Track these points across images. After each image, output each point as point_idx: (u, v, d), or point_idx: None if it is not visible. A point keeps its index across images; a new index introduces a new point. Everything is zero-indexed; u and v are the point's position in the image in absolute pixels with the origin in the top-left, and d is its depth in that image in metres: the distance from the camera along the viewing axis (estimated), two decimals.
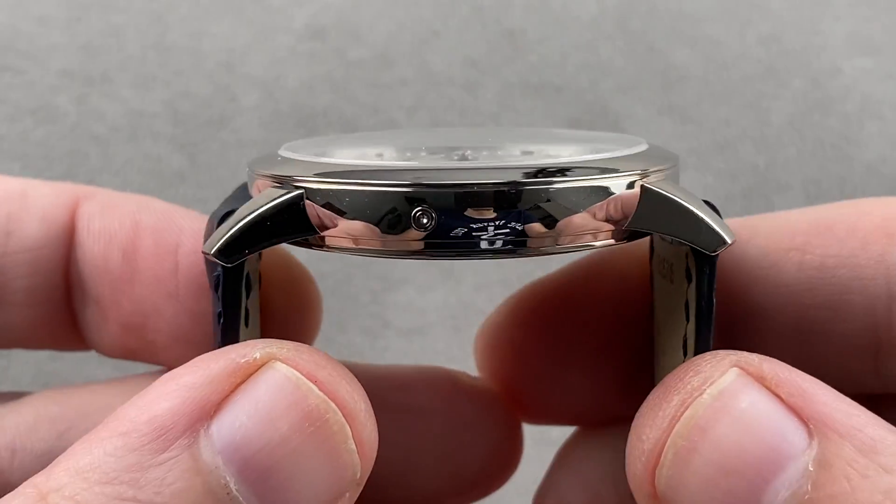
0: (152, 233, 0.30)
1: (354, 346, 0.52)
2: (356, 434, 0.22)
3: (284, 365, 0.22)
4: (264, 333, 0.29)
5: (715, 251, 0.25)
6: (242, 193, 0.27)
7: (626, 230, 0.25)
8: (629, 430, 0.25)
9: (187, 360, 0.30)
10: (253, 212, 0.24)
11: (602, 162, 0.25)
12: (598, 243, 0.24)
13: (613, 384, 0.32)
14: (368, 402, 0.23)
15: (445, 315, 0.52)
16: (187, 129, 0.53)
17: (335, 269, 0.52)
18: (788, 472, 0.22)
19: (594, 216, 0.24)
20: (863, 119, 0.54)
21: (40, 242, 0.30)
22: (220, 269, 0.25)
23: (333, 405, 0.22)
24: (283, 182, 0.24)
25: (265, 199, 0.24)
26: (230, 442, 0.22)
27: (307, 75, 0.54)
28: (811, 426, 0.22)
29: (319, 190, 0.24)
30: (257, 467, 0.22)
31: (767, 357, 0.24)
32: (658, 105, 0.54)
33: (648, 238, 0.28)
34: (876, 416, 0.23)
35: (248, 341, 0.23)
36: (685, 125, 0.54)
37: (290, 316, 0.31)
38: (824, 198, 0.52)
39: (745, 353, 0.24)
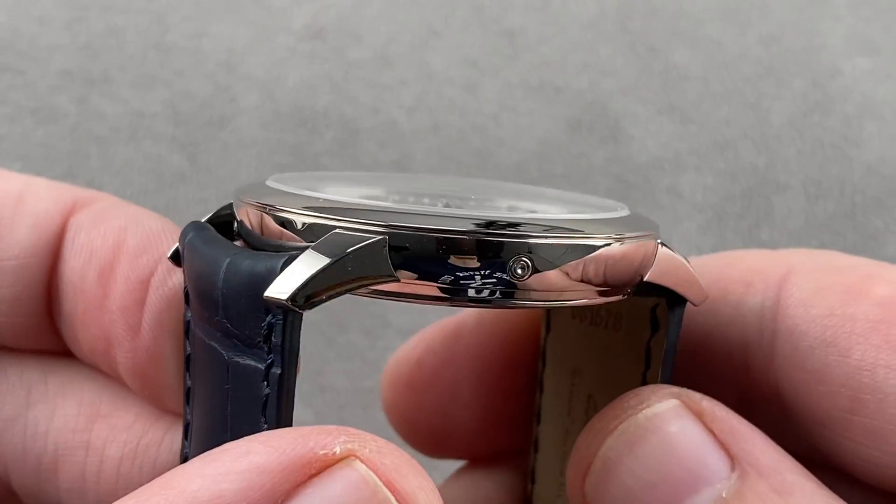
0: (131, 258, 0.29)
1: (355, 346, 0.52)
2: None
3: (364, 465, 0.21)
4: None
5: (700, 303, 0.27)
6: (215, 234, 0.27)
7: (640, 284, 0.26)
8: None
9: (145, 396, 0.29)
10: (336, 256, 0.23)
11: (605, 224, 0.26)
12: (601, 300, 0.25)
13: (502, 421, 0.34)
14: None
15: (446, 315, 0.52)
16: (187, 129, 0.53)
17: None
18: (702, 495, 0.24)
19: (570, 274, 0.24)
20: (863, 119, 0.54)
21: (28, 251, 0.29)
22: (279, 315, 0.23)
23: None
24: (361, 227, 0.24)
25: (345, 242, 0.23)
26: None
27: (307, 75, 0.54)
28: (735, 461, 0.24)
29: (397, 235, 0.23)
30: None
31: (709, 397, 0.25)
32: (658, 105, 0.54)
33: None
34: (801, 467, 0.25)
35: (328, 428, 0.22)
36: (685, 125, 0.54)
37: None
38: (824, 198, 0.52)
39: (688, 390, 0.26)
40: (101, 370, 0.31)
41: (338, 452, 0.21)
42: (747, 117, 0.54)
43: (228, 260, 0.25)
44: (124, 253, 0.29)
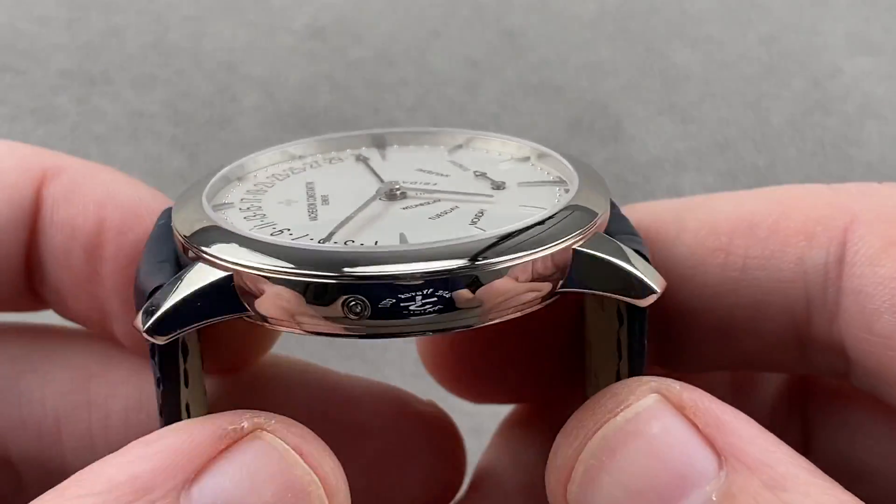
0: (116, 236, 0.29)
1: (355, 346, 0.52)
2: None
3: (271, 435, 0.23)
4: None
5: (646, 303, 0.25)
6: (166, 246, 0.27)
7: (556, 293, 0.25)
8: (566, 411, 0.25)
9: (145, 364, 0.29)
10: (184, 293, 0.24)
11: (529, 235, 0.24)
12: (528, 309, 0.24)
13: (551, 364, 0.32)
14: (346, 481, 0.24)
15: None
16: (187, 129, 0.53)
17: None
18: (691, 499, 0.23)
19: (521, 281, 0.24)
20: (863, 119, 0.54)
21: (1, 227, 0.29)
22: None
23: (317, 479, 0.23)
24: (213, 261, 0.24)
25: (197, 278, 0.24)
26: None
27: (307, 75, 0.54)
28: (723, 457, 0.23)
29: (249, 276, 0.23)
30: None
31: (690, 386, 0.24)
32: (658, 105, 0.54)
33: None
34: (796, 454, 0.24)
35: (238, 411, 0.23)
36: (685, 125, 0.54)
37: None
38: None
39: (668, 381, 0.24)
40: (93, 333, 0.31)
41: (246, 427, 0.22)
42: (747, 117, 0.54)
43: (138, 267, 0.26)
44: (108, 230, 0.29)
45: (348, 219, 0.26)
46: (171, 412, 0.26)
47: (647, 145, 0.53)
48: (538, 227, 0.24)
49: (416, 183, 0.27)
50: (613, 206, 0.27)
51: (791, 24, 0.57)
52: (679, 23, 0.57)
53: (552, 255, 0.24)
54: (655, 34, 0.56)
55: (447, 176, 0.28)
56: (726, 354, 0.29)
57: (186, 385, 0.27)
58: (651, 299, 0.25)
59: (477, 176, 0.28)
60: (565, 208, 0.25)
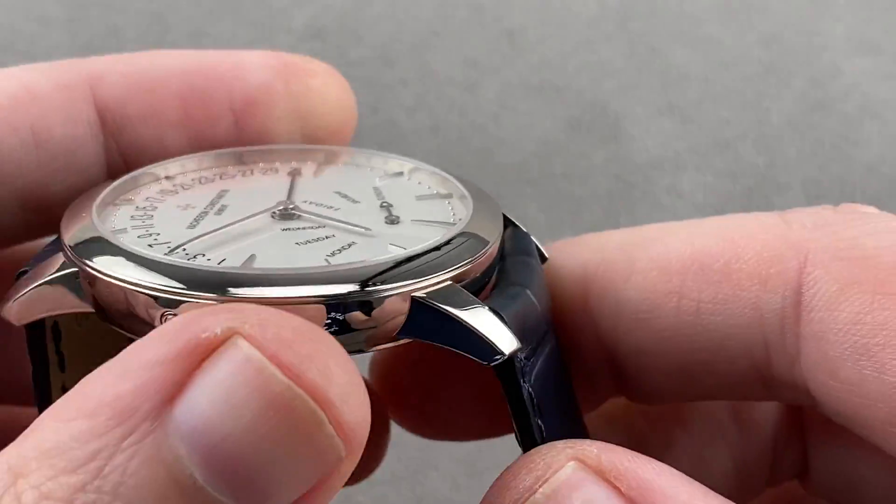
0: None
1: None
2: (334, 416, 0.20)
3: (246, 343, 0.20)
4: None
5: (490, 363, 0.23)
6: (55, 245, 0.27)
7: (394, 339, 0.24)
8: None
9: None
10: (33, 282, 0.24)
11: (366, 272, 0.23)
12: (379, 347, 0.24)
13: (486, 407, 0.31)
14: (353, 373, 0.21)
15: None
16: None
17: None
18: None
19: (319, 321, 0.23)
20: (863, 119, 0.54)
21: None
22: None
23: (300, 391, 0.20)
24: (75, 261, 0.24)
25: (49, 268, 0.24)
26: (192, 429, 0.20)
27: None
28: None
29: (112, 284, 0.24)
30: (223, 457, 0.20)
31: (609, 446, 0.23)
32: (658, 105, 0.54)
33: None
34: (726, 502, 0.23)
35: (211, 309, 0.21)
36: (685, 125, 0.54)
37: None
38: (824, 198, 0.52)
39: (585, 444, 0.23)
40: None
41: (219, 333, 0.20)
42: (747, 117, 0.54)
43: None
44: None
45: (213, 231, 0.25)
46: (39, 395, 0.26)
47: (646, 145, 0.53)
48: (380, 265, 0.23)
49: (319, 205, 0.27)
50: (515, 226, 0.27)
51: (791, 24, 0.57)
52: (679, 23, 0.57)
53: (379, 300, 0.23)
54: (655, 34, 0.56)
55: (357, 203, 0.27)
56: (689, 389, 0.28)
57: (62, 370, 0.27)
58: (497, 361, 0.23)
59: (382, 207, 0.27)
60: (429, 251, 0.24)
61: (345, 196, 0.28)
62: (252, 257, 0.24)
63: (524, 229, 0.29)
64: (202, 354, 0.20)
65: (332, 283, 0.23)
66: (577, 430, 0.28)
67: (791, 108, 0.54)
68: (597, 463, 0.23)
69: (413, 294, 0.23)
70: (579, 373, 0.29)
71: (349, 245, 0.25)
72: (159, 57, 0.30)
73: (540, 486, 0.22)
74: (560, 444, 0.23)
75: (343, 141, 0.31)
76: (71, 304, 0.24)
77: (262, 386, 0.20)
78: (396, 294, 0.23)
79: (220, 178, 0.29)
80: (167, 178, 0.28)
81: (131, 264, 0.23)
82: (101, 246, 0.24)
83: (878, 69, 0.55)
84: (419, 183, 0.29)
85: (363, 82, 0.54)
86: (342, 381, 0.20)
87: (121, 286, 0.23)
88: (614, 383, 0.29)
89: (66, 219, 0.26)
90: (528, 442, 0.25)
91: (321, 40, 0.55)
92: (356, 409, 0.21)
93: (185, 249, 0.25)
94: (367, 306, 0.23)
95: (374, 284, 0.23)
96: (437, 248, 0.24)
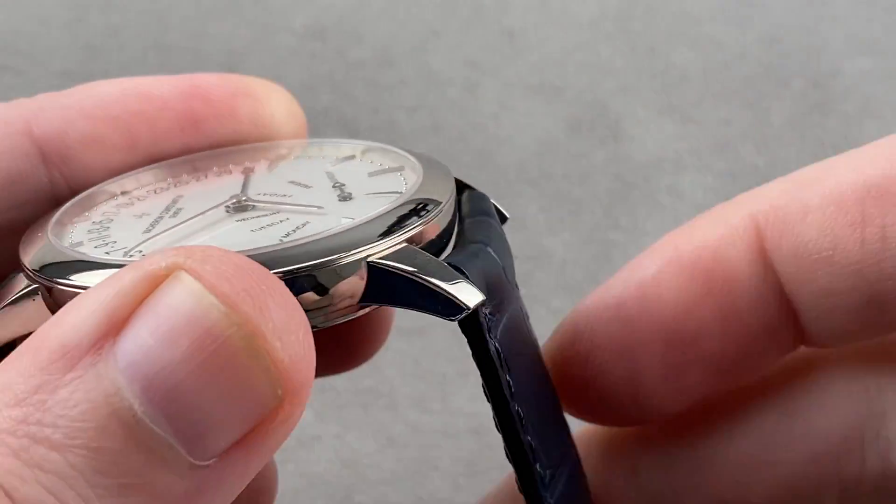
0: None
1: None
2: (267, 351, 0.20)
3: (189, 276, 0.20)
4: None
5: (455, 318, 0.23)
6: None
7: (357, 307, 0.24)
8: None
9: None
10: None
11: (338, 239, 0.23)
12: (345, 318, 0.24)
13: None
14: (293, 313, 0.21)
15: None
16: None
17: None
18: None
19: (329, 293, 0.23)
20: (863, 119, 0.54)
21: None
22: None
23: (237, 320, 0.20)
24: (34, 277, 0.25)
25: (12, 292, 0.25)
26: (132, 361, 0.20)
27: (307, 75, 0.54)
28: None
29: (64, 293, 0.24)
30: (161, 388, 0.20)
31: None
32: (658, 105, 0.54)
33: None
34: None
35: (170, 249, 0.21)
36: (685, 125, 0.54)
37: None
38: None
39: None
40: None
41: (164, 267, 0.21)
42: (747, 117, 0.54)
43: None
44: None
45: (168, 230, 0.26)
46: None
47: (647, 145, 0.53)
48: (332, 237, 0.23)
49: (273, 195, 0.27)
50: (471, 189, 0.27)
51: (791, 24, 0.57)
52: (679, 23, 0.57)
53: (335, 270, 0.23)
54: (655, 34, 0.56)
55: (309, 188, 0.27)
56: (877, 323, 0.28)
57: None
58: (462, 316, 0.23)
59: (334, 188, 0.27)
60: (380, 216, 0.24)
61: (298, 184, 0.28)
62: None
63: (481, 191, 0.28)
64: (147, 290, 0.21)
65: (286, 258, 0.23)
66: (545, 388, 0.28)
67: (791, 108, 0.54)
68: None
69: (369, 260, 0.23)
70: (762, 334, 0.29)
71: (304, 224, 0.25)
72: (99, 86, 0.30)
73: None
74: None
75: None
76: (39, 320, 0.24)
77: (201, 315, 0.20)
78: (351, 261, 0.23)
79: (175, 185, 0.29)
80: (123, 193, 0.29)
81: (88, 270, 0.24)
82: (59, 258, 0.25)
83: (878, 69, 0.55)
84: (371, 162, 0.29)
85: (363, 82, 0.54)
86: (279, 317, 0.21)
87: (81, 293, 0.23)
88: (795, 334, 0.29)
89: (23, 244, 0.26)
90: (497, 398, 0.25)
91: (321, 40, 0.55)
92: (292, 346, 0.21)
93: (140, 251, 0.25)
94: (324, 276, 0.23)
95: (328, 255, 0.23)
96: (387, 214, 0.24)
